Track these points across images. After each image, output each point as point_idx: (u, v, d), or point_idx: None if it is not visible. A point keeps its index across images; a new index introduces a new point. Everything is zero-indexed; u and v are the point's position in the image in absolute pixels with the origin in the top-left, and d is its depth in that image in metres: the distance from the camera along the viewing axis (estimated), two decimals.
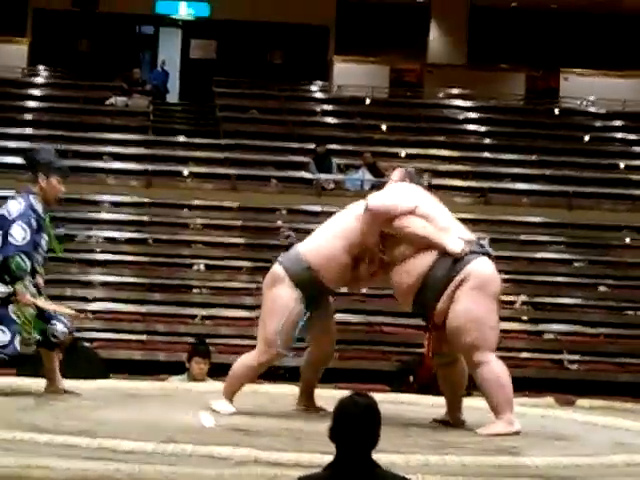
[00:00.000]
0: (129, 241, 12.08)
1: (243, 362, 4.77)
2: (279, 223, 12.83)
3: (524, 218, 12.79)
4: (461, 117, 15.98)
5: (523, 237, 12.53)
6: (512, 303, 11.12)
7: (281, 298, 4.66)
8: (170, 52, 18.60)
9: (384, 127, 15.34)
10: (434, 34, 18.26)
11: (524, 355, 10.06)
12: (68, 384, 5.37)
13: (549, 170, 14.24)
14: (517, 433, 4.43)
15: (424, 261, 4.52)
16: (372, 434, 2.80)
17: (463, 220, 4.86)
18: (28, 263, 5.00)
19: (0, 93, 15.14)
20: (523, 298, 11.11)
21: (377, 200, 4.63)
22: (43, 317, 5.10)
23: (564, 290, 11.53)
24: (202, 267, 11.54)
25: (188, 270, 11.51)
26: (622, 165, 14.74)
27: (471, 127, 15.64)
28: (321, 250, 4.65)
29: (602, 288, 11.77)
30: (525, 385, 6.78)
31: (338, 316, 10.41)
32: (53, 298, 10.51)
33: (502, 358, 4.76)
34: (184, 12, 18.44)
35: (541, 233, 12.86)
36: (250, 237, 12.22)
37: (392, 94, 17.19)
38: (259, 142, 14.39)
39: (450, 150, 14.60)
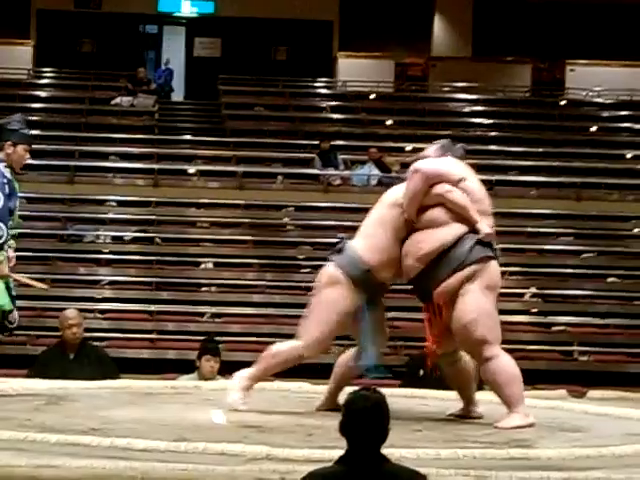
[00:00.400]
0: (136, 240, 12.09)
1: (287, 348, 4.71)
2: (286, 220, 12.83)
3: (532, 210, 12.77)
4: (467, 110, 15.96)
5: (531, 229, 12.51)
6: (521, 295, 11.10)
7: (339, 301, 4.65)
8: (174, 51, 18.61)
9: (390, 122, 15.32)
10: (438, 27, 18.22)
11: (534, 347, 10.05)
12: (80, 385, 5.38)
13: (556, 162, 14.21)
14: (532, 425, 4.44)
15: (451, 231, 4.52)
16: (382, 428, 2.81)
17: None
18: (5, 231, 4.87)
19: (6, 95, 15.16)
20: (532, 290, 11.09)
21: (427, 163, 4.64)
22: (10, 295, 4.94)
23: (573, 281, 11.50)
24: (210, 265, 11.55)
25: (196, 268, 11.52)
26: (629, 155, 14.69)
27: (477, 120, 15.61)
28: (375, 246, 4.64)
29: (611, 279, 11.74)
30: (535, 377, 6.77)
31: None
32: (61, 298, 10.59)
33: (512, 351, 4.77)
34: (187, 10, 18.44)
35: (549, 225, 12.84)
36: (257, 234, 12.22)
37: (397, 89, 17.17)
38: (265, 139, 14.39)
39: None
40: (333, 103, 16.04)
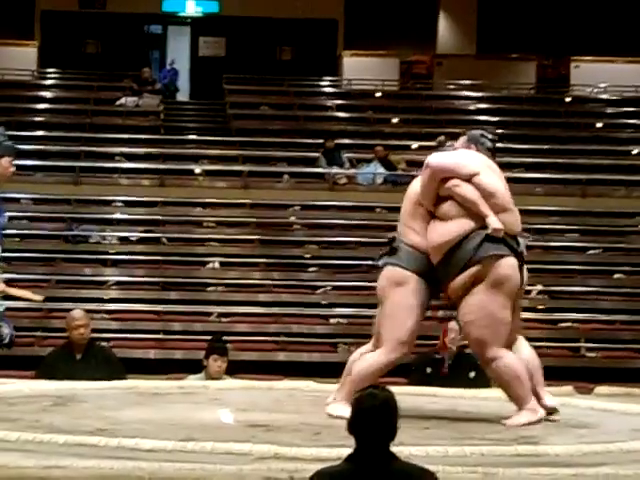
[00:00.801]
0: (143, 240, 12.10)
1: (369, 362, 4.64)
2: (292, 219, 12.83)
3: (538, 207, 12.74)
4: (472, 108, 15.94)
5: (537, 226, 12.49)
6: (528, 292, 11.07)
7: (412, 298, 4.64)
8: (179, 50, 18.62)
9: (395, 120, 15.32)
10: (443, 25, 18.21)
11: (541, 344, 10.02)
12: (87, 386, 5.39)
13: (562, 158, 14.19)
14: (541, 420, 4.44)
15: (463, 226, 4.52)
16: (390, 426, 2.81)
17: None
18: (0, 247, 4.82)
19: (11, 96, 15.19)
20: (539, 287, 11.07)
21: (438, 158, 4.65)
22: None
23: (579, 278, 11.48)
24: (216, 265, 11.56)
25: (202, 268, 11.53)
26: (635, 151, 14.67)
27: (482, 117, 15.59)
28: (420, 233, 4.64)
29: (617, 275, 11.72)
30: (543, 374, 6.75)
31: (354, 311, 10.41)
32: (68, 299, 10.59)
33: None
34: (192, 9, 18.45)
35: (555, 222, 12.82)
36: (264, 233, 12.22)
37: (402, 87, 17.16)
38: (270, 138, 14.39)
39: None
40: (338, 102, 16.03)
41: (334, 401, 4.62)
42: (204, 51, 18.60)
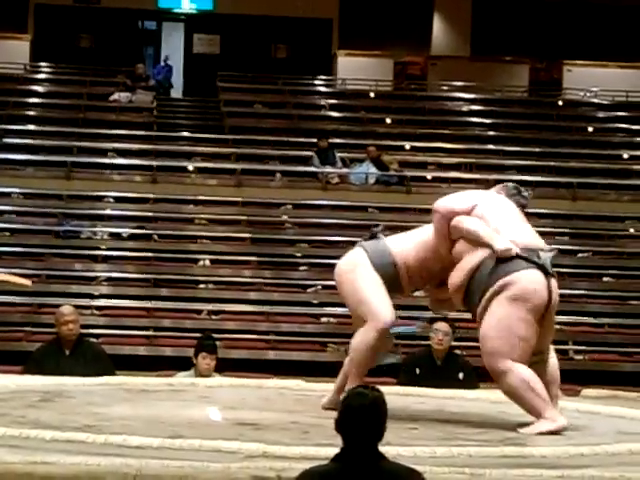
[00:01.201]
0: (134, 237, 12.09)
1: (359, 340, 4.65)
2: (284, 218, 12.83)
3: (528, 209, 12.75)
4: (465, 109, 15.97)
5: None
6: None
7: (370, 275, 4.64)
8: (173, 47, 18.59)
9: (388, 120, 15.33)
10: (437, 26, 18.23)
11: None
12: (75, 381, 5.39)
13: (553, 161, 14.23)
14: (564, 429, 4.34)
15: (473, 259, 4.50)
16: (379, 426, 2.81)
17: None
18: None
19: (3, 90, 15.15)
20: None
21: (443, 201, 4.71)
22: None
23: (568, 281, 11.51)
24: (207, 262, 11.55)
25: (193, 265, 11.52)
26: (626, 156, 14.72)
27: (475, 119, 15.62)
28: (409, 254, 4.69)
29: (606, 278, 11.76)
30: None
31: (344, 310, 10.41)
32: (58, 295, 10.57)
33: None
34: (187, 6, 18.42)
35: (545, 224, 12.84)
36: (255, 232, 12.23)
37: (396, 87, 17.17)
38: (264, 137, 14.38)
39: (454, 143, 14.59)
40: (332, 101, 16.04)
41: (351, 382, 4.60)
42: (198, 48, 18.57)
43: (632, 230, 13.17)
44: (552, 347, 4.75)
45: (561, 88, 17.51)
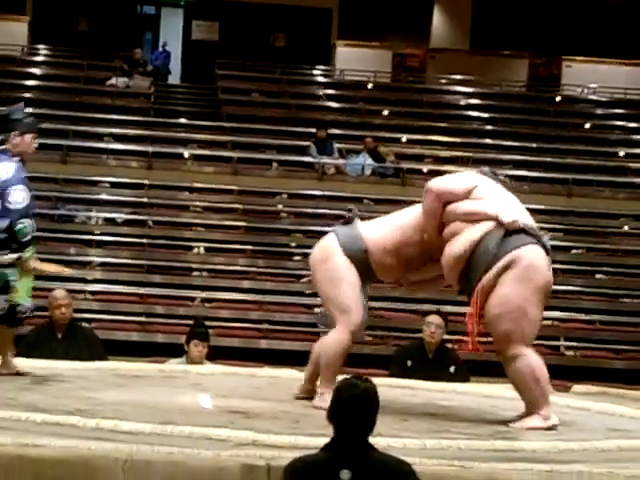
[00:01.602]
0: (129, 222, 12.08)
1: (331, 343, 4.59)
2: (279, 207, 12.83)
3: (524, 205, 12.79)
4: (463, 103, 15.96)
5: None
6: None
7: (342, 266, 4.59)
8: (172, 33, 18.54)
9: (386, 112, 15.32)
10: (437, 19, 18.21)
11: None
12: (68, 365, 5.39)
13: (549, 157, 14.24)
14: (553, 428, 4.31)
15: (475, 231, 4.40)
16: (370, 417, 2.82)
17: None
18: (31, 227, 4.92)
19: (0, 72, 15.10)
20: None
21: (438, 181, 4.61)
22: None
23: (562, 277, 11.52)
24: (202, 250, 11.55)
25: (188, 252, 11.52)
26: (622, 153, 14.74)
27: (473, 113, 15.62)
28: (381, 240, 4.62)
29: (599, 275, 11.79)
30: None
31: None
32: (51, 278, 10.56)
33: None
34: None
35: (540, 220, 12.77)
36: (250, 220, 12.22)
37: (394, 79, 17.16)
38: (261, 125, 14.37)
39: (451, 136, 14.59)
40: (330, 91, 16.03)
41: (321, 395, 4.54)
42: (197, 35, 18.53)
43: (627, 228, 13.20)
44: None
45: (559, 84, 17.51)
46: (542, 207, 13.05)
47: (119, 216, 12.14)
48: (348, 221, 4.75)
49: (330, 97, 15.80)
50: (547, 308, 11.73)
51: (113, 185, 12.73)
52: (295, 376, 5.51)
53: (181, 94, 16.41)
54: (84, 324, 7.14)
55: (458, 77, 16.73)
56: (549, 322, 10.48)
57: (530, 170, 13.92)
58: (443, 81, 16.87)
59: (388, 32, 17.73)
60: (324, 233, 4.96)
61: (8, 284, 4.90)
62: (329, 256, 4.66)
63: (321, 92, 16.04)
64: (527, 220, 4.53)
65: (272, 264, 11.23)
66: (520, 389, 4.43)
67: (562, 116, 15.69)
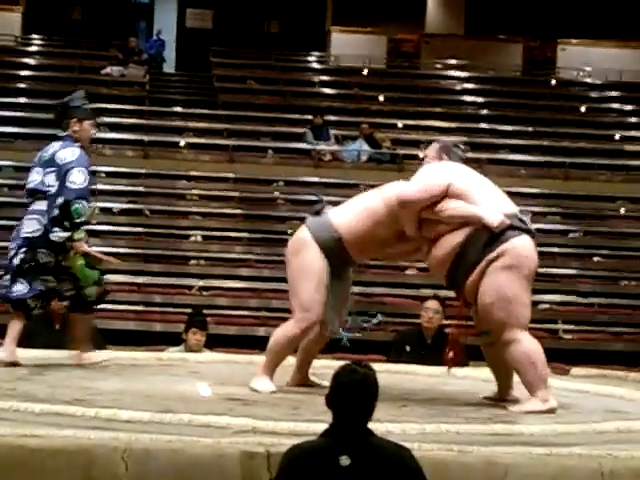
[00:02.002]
0: (125, 212, 12.06)
1: (282, 334, 4.63)
2: (276, 194, 12.82)
3: (520, 189, 12.78)
4: (458, 88, 15.94)
5: (519, 208, 12.53)
6: None
7: (311, 262, 4.59)
8: (166, 21, 18.49)
9: (381, 98, 15.29)
10: (432, 4, 18.16)
11: None
12: (65, 355, 5.38)
13: (545, 141, 14.23)
14: (552, 411, 4.32)
15: (460, 234, 4.39)
16: (369, 402, 2.82)
17: None
18: (87, 210, 5.00)
19: None
20: None
21: (408, 193, 4.48)
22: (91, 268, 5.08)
23: (559, 260, 11.55)
24: (199, 238, 11.55)
25: (185, 241, 11.51)
26: (618, 136, 14.73)
27: (468, 98, 15.60)
28: (352, 225, 4.60)
29: (597, 258, 11.80)
30: None
31: None
32: None
33: None
34: None
35: (537, 204, 12.87)
36: (247, 208, 12.22)
37: (389, 65, 17.12)
38: (256, 113, 14.34)
39: (447, 121, 14.57)
40: (325, 78, 15.99)
41: (257, 377, 4.60)
42: (191, 23, 18.48)
43: (623, 210, 13.21)
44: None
45: (555, 67, 17.49)
46: (539, 191, 13.08)
47: (116, 206, 12.12)
48: (318, 211, 4.74)
49: (325, 83, 15.77)
50: (545, 292, 11.82)
51: (109, 175, 12.71)
52: (293, 363, 5.51)
53: (176, 82, 16.37)
54: None
55: (453, 62, 16.70)
56: (547, 306, 10.50)
57: (526, 154, 13.92)
58: (438, 66, 16.84)
59: (382, 18, 17.69)
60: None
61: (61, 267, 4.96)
62: (300, 249, 4.67)
63: (316, 79, 16.01)
64: (508, 209, 4.50)
65: (269, 251, 11.23)
66: (518, 372, 4.45)
67: (557, 99, 15.68)
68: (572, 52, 17.55)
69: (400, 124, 14.46)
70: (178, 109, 14.71)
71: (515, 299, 4.37)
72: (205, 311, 6.83)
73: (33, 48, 16.56)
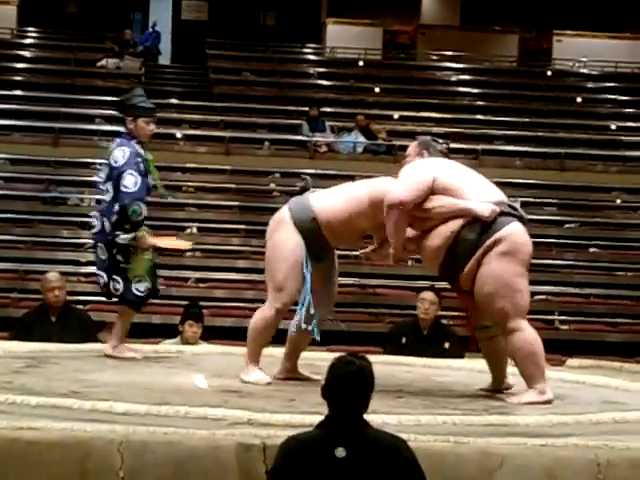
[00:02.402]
0: None
1: (259, 318, 4.64)
2: (272, 186, 12.81)
3: (516, 180, 12.80)
4: (454, 79, 15.92)
5: (515, 199, 12.55)
6: None
7: (286, 242, 4.58)
8: (161, 13, 18.46)
9: (377, 89, 15.28)
10: None
11: None
12: (62, 348, 5.39)
13: (541, 132, 14.23)
14: (549, 402, 4.33)
15: (453, 225, 4.36)
16: (364, 394, 2.82)
17: None
18: (144, 209, 5.20)
19: None
20: None
21: (395, 195, 4.40)
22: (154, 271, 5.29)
23: (555, 251, 11.56)
24: (195, 230, 11.53)
25: (181, 233, 11.49)
26: (613, 126, 14.73)
27: (464, 89, 15.58)
28: (330, 210, 4.59)
29: (593, 249, 11.81)
30: None
31: None
32: (44, 261, 10.51)
33: None
34: None
35: (533, 195, 12.88)
36: (243, 200, 12.21)
37: (385, 56, 17.11)
38: (252, 105, 14.33)
39: (443, 112, 14.56)
40: (321, 70, 15.97)
41: (245, 368, 4.61)
42: (187, 14, 18.45)
43: (619, 201, 13.21)
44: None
45: (550, 58, 17.48)
46: (534, 182, 13.08)
47: None
48: (301, 191, 4.75)
49: (321, 75, 15.75)
50: (541, 282, 11.84)
51: None
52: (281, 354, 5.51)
53: (172, 74, 16.35)
54: (78, 307, 7.13)
55: (449, 53, 16.69)
56: (543, 297, 10.51)
57: (522, 145, 13.91)
58: (434, 57, 16.83)
59: (378, 9, 17.67)
60: None
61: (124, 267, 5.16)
62: (278, 228, 4.66)
63: (312, 70, 15.99)
64: (496, 197, 4.47)
65: (265, 243, 11.21)
66: (518, 363, 4.45)
67: (553, 90, 15.67)
68: (568, 43, 17.54)
69: (396, 115, 14.45)
70: (174, 101, 14.68)
71: (515, 286, 4.36)
72: (202, 303, 6.82)
73: (28, 41, 16.53)
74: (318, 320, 4.65)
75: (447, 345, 6.00)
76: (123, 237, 5.16)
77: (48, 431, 3.21)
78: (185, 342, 6.01)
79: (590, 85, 16.10)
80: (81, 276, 10.23)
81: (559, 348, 8.16)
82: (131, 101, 5.34)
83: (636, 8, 17.12)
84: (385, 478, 2.76)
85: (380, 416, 3.45)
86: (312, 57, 16.86)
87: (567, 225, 12.40)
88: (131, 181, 5.14)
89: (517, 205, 4.55)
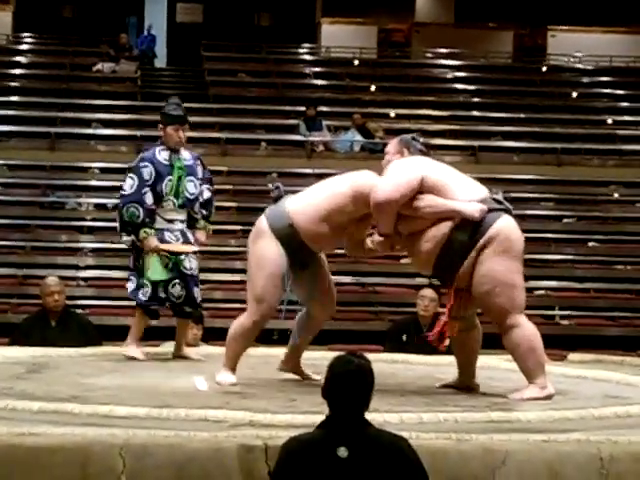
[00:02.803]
0: None
1: (237, 325, 4.65)
2: (270, 186, 12.80)
3: (514, 175, 12.80)
4: (449, 76, 15.92)
5: (513, 194, 12.53)
6: None
7: (265, 252, 4.56)
8: (156, 16, 18.46)
9: (373, 88, 15.28)
10: None
11: None
12: (62, 352, 5.38)
13: (538, 127, 14.23)
14: (550, 397, 4.33)
15: (443, 228, 4.35)
16: (364, 392, 2.81)
17: None
18: (141, 211, 5.28)
19: None
20: None
21: (381, 193, 4.36)
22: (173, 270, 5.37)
23: (554, 246, 11.55)
24: None
25: None
26: (610, 121, 14.73)
27: (459, 86, 15.58)
28: (307, 211, 4.55)
29: (592, 243, 11.81)
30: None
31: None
32: (43, 266, 10.50)
33: None
34: None
35: (531, 190, 12.88)
36: (241, 201, 12.20)
37: (380, 55, 17.11)
38: (248, 106, 14.32)
39: (439, 109, 14.56)
40: (316, 69, 15.97)
41: (220, 371, 4.61)
42: (182, 17, 18.45)
43: (617, 195, 13.21)
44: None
45: (545, 54, 17.49)
46: (532, 177, 13.08)
47: (110, 201, 12.09)
48: (275, 200, 4.73)
49: (317, 75, 15.75)
50: (541, 278, 11.83)
51: (103, 171, 12.69)
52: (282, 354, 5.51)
53: (168, 77, 16.35)
54: (77, 311, 7.12)
55: (444, 50, 16.69)
56: (543, 292, 10.51)
57: (519, 140, 13.92)
58: (429, 55, 16.83)
59: (372, 8, 17.67)
60: None
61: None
62: (256, 239, 4.65)
63: (308, 70, 15.99)
64: (480, 193, 4.46)
65: None
66: (517, 359, 4.44)
67: (549, 86, 15.68)
68: (562, 38, 17.55)
69: (392, 113, 14.44)
70: None
71: (512, 283, 4.37)
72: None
73: (24, 46, 16.52)
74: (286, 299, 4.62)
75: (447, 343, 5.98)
76: (124, 239, 5.33)
77: (49, 436, 3.20)
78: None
79: (585, 80, 16.10)
80: (80, 280, 10.23)
81: (560, 343, 8.16)
82: (164, 109, 5.54)
83: (629, 2, 17.13)
84: (388, 477, 2.75)
85: (382, 415, 3.44)
86: (307, 57, 16.85)
87: (565, 220, 12.40)
88: (128, 184, 5.27)
89: (500, 197, 4.51)
